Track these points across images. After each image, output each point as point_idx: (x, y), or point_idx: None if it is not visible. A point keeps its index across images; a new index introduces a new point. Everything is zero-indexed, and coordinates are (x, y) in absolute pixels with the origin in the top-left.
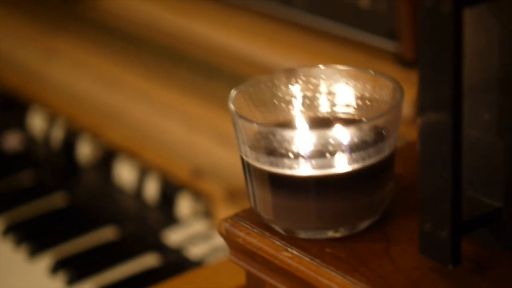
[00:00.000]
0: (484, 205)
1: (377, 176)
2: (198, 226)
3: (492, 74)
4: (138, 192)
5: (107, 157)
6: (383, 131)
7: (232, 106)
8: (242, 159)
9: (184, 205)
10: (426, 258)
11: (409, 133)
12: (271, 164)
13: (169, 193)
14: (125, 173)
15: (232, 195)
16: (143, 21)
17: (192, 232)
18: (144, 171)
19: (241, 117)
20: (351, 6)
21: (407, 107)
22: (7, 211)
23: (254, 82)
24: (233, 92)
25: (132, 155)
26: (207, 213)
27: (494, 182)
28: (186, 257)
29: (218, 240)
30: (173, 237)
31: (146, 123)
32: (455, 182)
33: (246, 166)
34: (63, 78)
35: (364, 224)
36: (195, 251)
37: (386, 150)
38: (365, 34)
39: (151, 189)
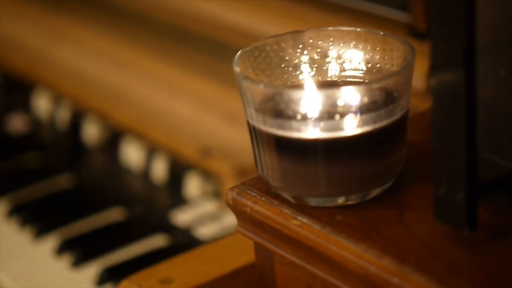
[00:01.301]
0: (500, 168)
1: (389, 139)
2: (207, 206)
3: (506, 29)
4: (145, 173)
5: (113, 138)
6: (394, 93)
7: (237, 68)
8: (248, 123)
9: (192, 185)
10: (441, 223)
11: (422, 106)
12: (278, 127)
13: (177, 173)
14: (132, 154)
15: (242, 174)
16: None
17: (201, 212)
18: (151, 151)
19: (247, 78)
20: None
21: (419, 80)
22: (12, 193)
23: (260, 45)
24: (239, 54)
25: (139, 135)
26: (216, 193)
27: (511, 143)
28: (195, 237)
29: (228, 220)
30: (182, 217)
31: (153, 103)
32: (469, 143)
33: (253, 131)
34: (68, 59)
35: (376, 191)
36: (204, 231)
37: (397, 113)
38: (376, 6)
39: (159, 170)
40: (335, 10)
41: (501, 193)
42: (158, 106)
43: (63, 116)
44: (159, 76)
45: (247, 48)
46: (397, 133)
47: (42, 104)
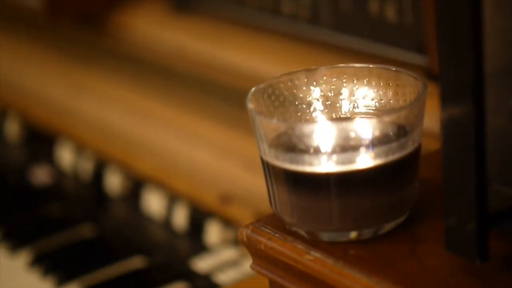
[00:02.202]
0: None
1: (401, 173)
2: (227, 253)
3: None
4: (166, 221)
5: (135, 187)
6: (406, 127)
7: (250, 104)
8: (262, 160)
9: (213, 232)
10: (453, 254)
11: (437, 147)
12: (291, 161)
13: (197, 220)
14: (153, 202)
15: None
16: (169, 50)
17: (221, 259)
18: (172, 200)
19: (259, 113)
20: (378, 21)
21: (434, 121)
22: (35, 243)
23: (274, 82)
24: (252, 91)
25: (160, 184)
26: (236, 240)
27: None
28: (215, 284)
29: (247, 266)
30: (202, 264)
31: (174, 152)
32: (479, 172)
33: (266, 167)
34: (91, 110)
35: (389, 226)
36: (224, 278)
37: (409, 146)
38: (392, 49)
39: (180, 217)
40: (352, 55)
41: None
42: (178, 155)
43: (86, 166)
44: (179, 125)
45: (261, 86)
46: (410, 167)
47: (65, 155)
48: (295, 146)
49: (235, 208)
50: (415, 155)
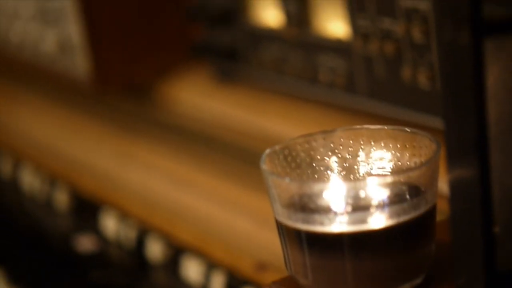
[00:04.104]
0: None
1: (415, 234)
2: None
3: None
4: None
5: (175, 255)
6: (420, 187)
7: (264, 166)
8: (275, 221)
9: None
10: None
11: None
12: (303, 221)
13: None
14: (192, 270)
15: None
16: (211, 120)
17: None
18: (210, 267)
19: (272, 173)
20: (411, 88)
21: None
22: None
23: (291, 144)
24: (266, 153)
25: (199, 252)
26: None
27: None
28: None
29: None
30: None
31: (213, 220)
32: (486, 232)
33: (280, 227)
34: (135, 179)
35: (404, 287)
36: None
37: (422, 207)
38: (425, 116)
39: (217, 285)
40: (385, 121)
41: None
42: (217, 223)
43: (129, 235)
44: (220, 194)
45: (276, 147)
46: (424, 228)
47: (109, 223)
48: (307, 206)
49: (271, 275)
50: (429, 215)
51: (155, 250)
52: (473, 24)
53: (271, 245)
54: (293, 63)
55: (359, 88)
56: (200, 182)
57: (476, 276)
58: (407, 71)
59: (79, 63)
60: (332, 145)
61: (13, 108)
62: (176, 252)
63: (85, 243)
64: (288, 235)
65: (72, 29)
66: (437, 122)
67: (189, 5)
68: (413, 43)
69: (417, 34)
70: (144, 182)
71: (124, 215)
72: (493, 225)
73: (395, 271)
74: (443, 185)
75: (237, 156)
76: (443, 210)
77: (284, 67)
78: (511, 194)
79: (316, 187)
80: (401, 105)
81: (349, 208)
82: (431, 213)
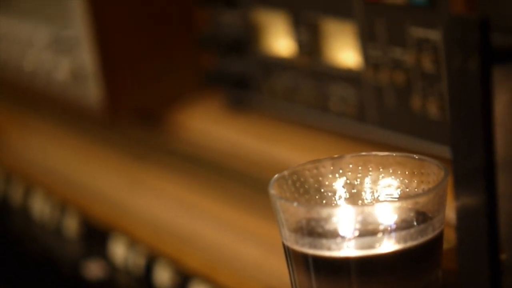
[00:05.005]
0: None
1: (421, 260)
2: None
3: None
4: None
5: (183, 282)
6: (427, 213)
7: (272, 191)
8: (283, 245)
9: None
10: None
11: None
12: (310, 246)
13: None
14: None
15: None
16: (222, 148)
17: None
18: None
19: (280, 198)
20: (421, 118)
21: None
22: None
23: (299, 170)
24: (275, 178)
25: (207, 279)
26: None
27: None
28: None
29: None
30: None
31: (222, 247)
32: (492, 260)
33: (287, 252)
34: (144, 206)
35: None
36: None
37: (429, 233)
38: (435, 146)
39: None
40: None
41: None
42: (225, 250)
43: (138, 261)
44: (230, 222)
45: (285, 173)
46: (431, 254)
47: (118, 250)
48: (314, 230)
49: None
50: (436, 242)
51: (163, 277)
52: (482, 52)
53: (279, 272)
54: (304, 92)
55: (370, 117)
56: (209, 209)
57: None
58: (417, 100)
59: (92, 91)
60: (340, 171)
61: (25, 135)
62: (185, 279)
63: (94, 270)
64: (295, 259)
65: (86, 57)
66: (446, 152)
67: (201, 34)
68: (423, 73)
69: (427, 64)
70: (153, 209)
71: (133, 241)
72: (500, 253)
73: None
74: (450, 214)
75: (247, 184)
76: (449, 239)
77: (295, 96)
78: None
79: (324, 211)
80: (411, 134)
81: (356, 233)
82: (438, 239)
